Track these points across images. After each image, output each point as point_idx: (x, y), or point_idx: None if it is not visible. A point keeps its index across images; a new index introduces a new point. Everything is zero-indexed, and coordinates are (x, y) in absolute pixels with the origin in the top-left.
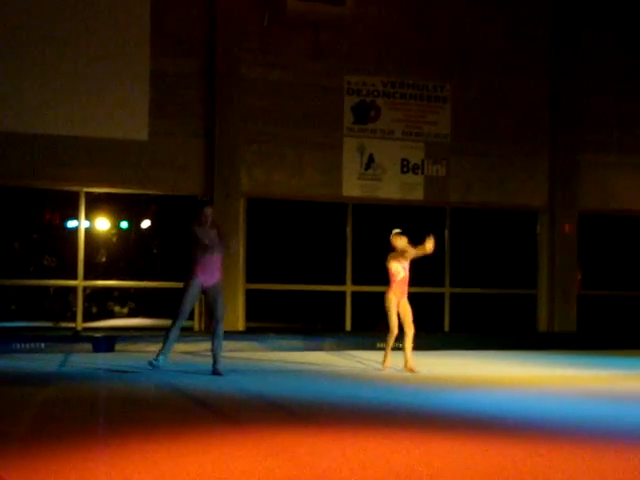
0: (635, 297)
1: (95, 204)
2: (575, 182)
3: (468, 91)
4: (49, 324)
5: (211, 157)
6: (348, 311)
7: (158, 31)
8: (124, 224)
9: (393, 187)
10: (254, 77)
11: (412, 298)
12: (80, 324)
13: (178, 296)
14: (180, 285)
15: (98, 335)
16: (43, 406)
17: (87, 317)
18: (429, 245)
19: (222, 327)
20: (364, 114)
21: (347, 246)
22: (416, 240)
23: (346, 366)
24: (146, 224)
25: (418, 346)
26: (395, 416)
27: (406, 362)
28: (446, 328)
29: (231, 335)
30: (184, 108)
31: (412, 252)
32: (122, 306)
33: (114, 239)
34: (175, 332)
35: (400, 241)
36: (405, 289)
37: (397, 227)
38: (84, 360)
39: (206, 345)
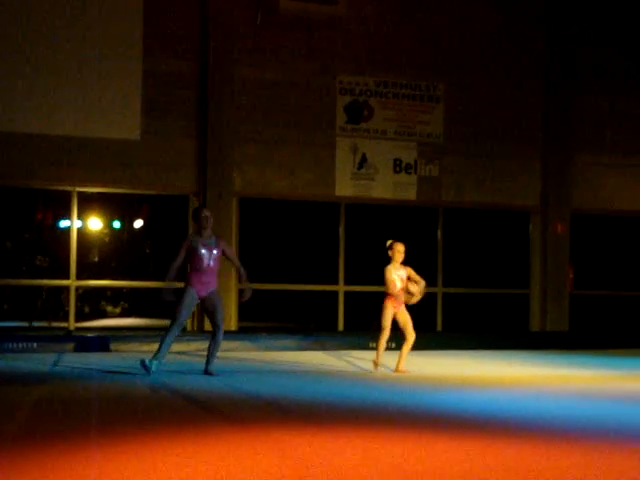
0: (627, 297)
1: (87, 204)
2: (567, 182)
3: (461, 91)
4: (43, 324)
5: (203, 157)
6: (341, 311)
7: (151, 31)
8: (116, 224)
9: (386, 187)
10: (247, 77)
11: None
12: (72, 324)
13: (175, 304)
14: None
15: (91, 335)
16: (36, 406)
17: (79, 317)
18: (418, 290)
19: (222, 333)
20: (357, 114)
21: (340, 246)
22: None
23: (339, 366)
24: (138, 224)
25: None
26: (389, 416)
27: (398, 363)
28: (439, 328)
29: (224, 335)
30: (176, 108)
31: (412, 274)
32: (114, 306)
33: (106, 239)
34: (170, 339)
35: (400, 253)
36: (402, 299)
37: (389, 230)
38: (76, 360)
39: (198, 345)
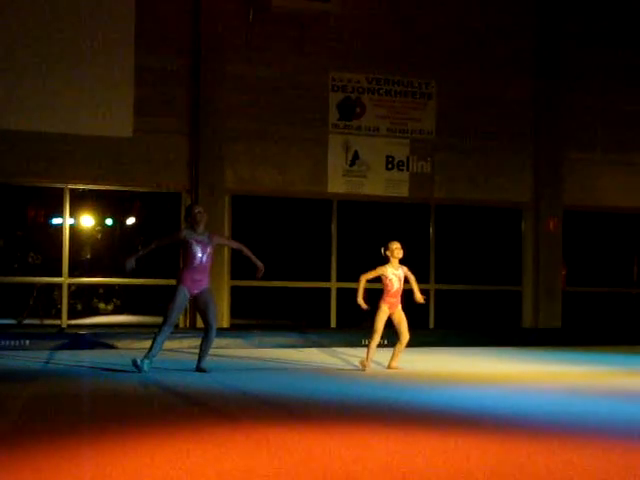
0: (619, 293)
1: (80, 201)
2: (559, 179)
3: (453, 88)
4: (35, 321)
5: (196, 154)
6: (333, 308)
7: (143, 28)
8: (109, 221)
9: (378, 184)
10: (239, 74)
11: None
12: (65, 321)
13: (165, 301)
14: (165, 282)
15: (83, 332)
16: (28, 403)
17: (72, 314)
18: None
19: (214, 331)
20: (349, 111)
21: (332, 243)
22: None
23: (332, 363)
24: (131, 221)
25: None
26: (383, 413)
27: (390, 360)
28: (431, 325)
29: (216, 332)
30: (168, 105)
31: (407, 274)
32: (107, 303)
33: (99, 236)
34: (162, 338)
35: (398, 249)
36: (399, 299)
37: (381, 226)
38: (69, 357)
39: (190, 342)
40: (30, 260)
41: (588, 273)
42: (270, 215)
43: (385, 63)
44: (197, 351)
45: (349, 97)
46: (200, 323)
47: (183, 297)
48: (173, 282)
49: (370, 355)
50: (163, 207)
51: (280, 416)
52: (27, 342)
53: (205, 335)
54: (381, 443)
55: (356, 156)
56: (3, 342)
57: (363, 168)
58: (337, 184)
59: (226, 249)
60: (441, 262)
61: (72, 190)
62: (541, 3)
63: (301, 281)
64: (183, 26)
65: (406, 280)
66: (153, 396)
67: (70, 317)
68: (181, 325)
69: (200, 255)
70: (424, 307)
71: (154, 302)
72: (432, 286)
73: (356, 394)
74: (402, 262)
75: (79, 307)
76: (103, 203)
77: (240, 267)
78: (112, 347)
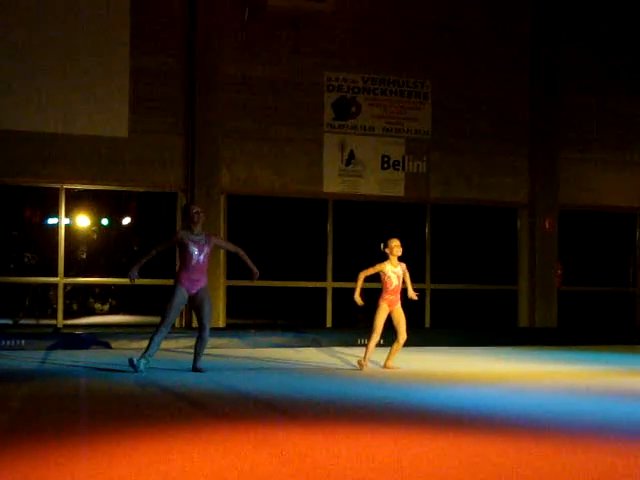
0: (615, 293)
1: (75, 201)
2: (555, 178)
3: (449, 88)
4: (31, 321)
5: (191, 154)
6: (329, 307)
7: (138, 28)
8: (104, 221)
9: (374, 183)
10: (234, 73)
11: None
12: (61, 321)
13: (163, 301)
14: (161, 282)
15: (79, 332)
16: (24, 403)
17: (68, 314)
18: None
19: (207, 332)
20: (344, 110)
21: (328, 242)
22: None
23: (328, 362)
24: (126, 221)
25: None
26: (380, 412)
27: (387, 359)
28: (427, 324)
29: (212, 332)
30: (164, 105)
31: (406, 272)
32: (103, 303)
33: (94, 236)
34: (159, 338)
35: (397, 247)
36: (398, 297)
37: (376, 226)
38: (65, 357)
39: (187, 342)
40: (26, 260)
41: (584, 272)
42: (266, 215)
43: (380, 63)
44: (193, 351)
45: (344, 97)
46: (196, 323)
47: (181, 298)
48: (169, 282)
49: (368, 354)
50: (159, 207)
51: (277, 416)
52: (23, 342)
53: (199, 335)
54: (378, 443)
55: (352, 156)
56: None
57: (359, 168)
58: (333, 184)
59: (222, 254)
60: (437, 262)
61: (68, 190)
62: (537, 4)
63: (297, 281)
64: (179, 26)
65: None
66: (149, 396)
67: (66, 317)
68: (177, 325)
69: (197, 255)
70: (420, 306)
71: (150, 302)
72: (428, 286)
73: (353, 394)
74: (401, 260)
75: (75, 307)
76: (99, 203)
77: (236, 267)
78: (108, 347)
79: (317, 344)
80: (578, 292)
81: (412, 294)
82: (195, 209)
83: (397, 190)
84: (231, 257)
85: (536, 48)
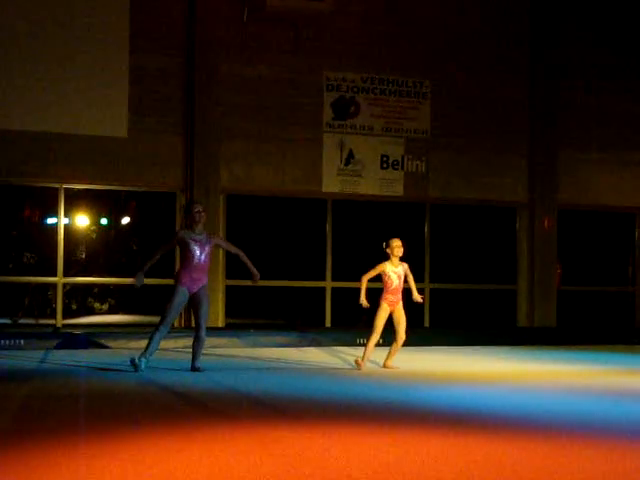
0: (614, 292)
1: (74, 201)
2: (554, 178)
3: (448, 87)
4: (30, 321)
5: (190, 153)
6: (328, 307)
7: (137, 27)
8: (103, 220)
9: (373, 183)
10: (233, 73)
11: None
12: (60, 321)
13: (164, 300)
14: (159, 282)
15: (78, 332)
16: (23, 403)
17: (67, 314)
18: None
19: (204, 331)
20: (344, 110)
21: (327, 242)
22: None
23: (327, 362)
24: (125, 220)
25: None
26: (380, 412)
27: (386, 359)
28: (426, 324)
29: (211, 331)
30: (163, 104)
31: (407, 272)
32: (102, 303)
33: (94, 235)
34: (159, 337)
35: (398, 247)
36: (399, 297)
37: (376, 226)
38: (64, 357)
39: (186, 341)
40: (25, 260)
41: (583, 272)
42: (265, 215)
43: (380, 62)
44: (191, 351)
45: (343, 96)
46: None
47: (182, 297)
48: (169, 282)
49: (367, 354)
50: (158, 207)
51: (277, 416)
52: (22, 342)
53: (195, 335)
54: (379, 443)
55: (351, 155)
56: None
57: (358, 167)
58: (332, 183)
59: (221, 253)
60: (436, 261)
61: (67, 190)
62: (536, 3)
63: (296, 280)
64: (178, 25)
65: (405, 279)
66: (148, 395)
67: (65, 317)
68: (176, 325)
69: (199, 254)
70: (419, 306)
71: (149, 302)
72: (427, 285)
73: (353, 393)
74: (401, 259)
75: (74, 307)
76: (98, 203)
77: (235, 267)
78: (107, 347)
79: (317, 344)
80: (577, 292)
81: (417, 297)
82: (197, 208)
83: (396, 190)
84: (230, 257)
85: (535, 47)
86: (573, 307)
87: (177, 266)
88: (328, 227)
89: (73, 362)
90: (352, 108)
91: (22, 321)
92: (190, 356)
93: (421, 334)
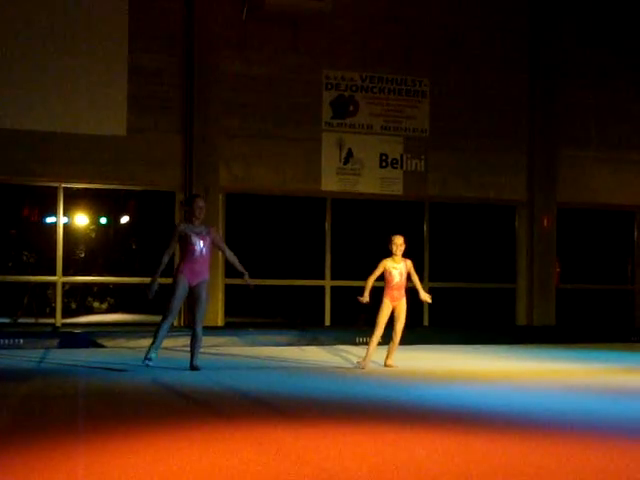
0: (613, 290)
1: (73, 200)
2: (553, 176)
3: (447, 86)
4: (30, 320)
5: (189, 152)
6: (327, 306)
7: (136, 26)
8: (103, 219)
9: (372, 182)
10: (232, 72)
11: None
12: (59, 320)
13: (166, 294)
14: (160, 281)
15: (77, 331)
16: (22, 402)
17: (66, 313)
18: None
19: (200, 328)
20: (343, 109)
21: (326, 241)
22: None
23: (326, 361)
24: (125, 219)
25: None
26: (379, 410)
27: (386, 358)
28: (425, 322)
29: (210, 330)
30: (162, 103)
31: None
32: (101, 302)
33: (93, 235)
34: (167, 326)
35: (396, 245)
36: (402, 293)
37: (375, 224)
38: (63, 356)
39: (185, 340)
40: (24, 259)
41: (582, 271)
42: (264, 213)
43: (379, 61)
44: (189, 349)
45: (342, 95)
46: None
47: (183, 287)
48: (168, 281)
49: (370, 352)
50: (157, 206)
51: (276, 415)
52: (21, 341)
53: (192, 333)
54: (377, 442)
55: (350, 154)
56: None
57: (357, 166)
58: (331, 182)
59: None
60: (435, 260)
61: (66, 189)
62: (535, 1)
63: (295, 279)
64: (177, 24)
65: (409, 278)
66: (147, 395)
67: (64, 316)
68: (175, 324)
69: (200, 247)
70: (418, 305)
71: (148, 301)
72: (426, 284)
73: (353, 392)
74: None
75: (73, 306)
76: (97, 202)
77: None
78: (106, 346)
79: (316, 342)
80: (576, 290)
81: (424, 297)
82: (199, 204)
83: (395, 188)
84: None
85: (535, 46)
86: (572, 305)
87: (177, 264)
88: (327, 226)
89: (72, 361)
90: (351, 107)
91: (21, 320)
92: (189, 355)
93: (420, 333)
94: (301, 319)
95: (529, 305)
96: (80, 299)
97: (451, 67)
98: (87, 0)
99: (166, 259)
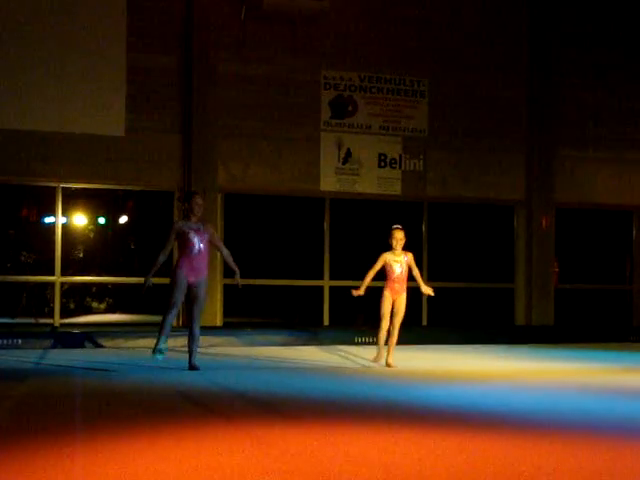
0: (611, 290)
1: (72, 200)
2: (551, 176)
3: (445, 86)
4: (29, 320)
5: (188, 152)
6: (326, 306)
7: (134, 26)
8: (101, 220)
9: (370, 182)
10: (231, 72)
11: None
12: (58, 320)
13: (166, 291)
14: (157, 281)
15: (76, 331)
16: (20, 402)
17: (65, 313)
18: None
19: (198, 327)
20: (341, 109)
21: (325, 241)
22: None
23: (325, 361)
24: (123, 219)
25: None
26: (378, 410)
27: (387, 357)
28: (424, 322)
29: (209, 330)
30: (161, 103)
31: (411, 263)
32: (100, 302)
33: (91, 235)
34: (171, 318)
35: (395, 239)
36: (403, 286)
37: (374, 224)
38: (61, 356)
39: (184, 341)
40: (22, 259)
41: (580, 270)
42: (262, 213)
43: (377, 61)
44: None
45: (341, 95)
46: None
47: (182, 280)
48: (165, 281)
49: (380, 344)
50: (156, 206)
51: (275, 415)
52: (20, 341)
53: (190, 333)
54: (376, 441)
55: (348, 154)
56: None
57: (355, 166)
58: (329, 182)
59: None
60: (434, 260)
61: (64, 189)
62: (533, 2)
63: (294, 279)
64: (175, 24)
65: (410, 273)
66: (146, 395)
67: (63, 316)
68: (175, 324)
69: (198, 243)
70: (417, 304)
71: (147, 301)
72: (425, 284)
73: (352, 392)
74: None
75: (72, 306)
76: (95, 202)
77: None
78: (105, 346)
79: (314, 342)
80: (575, 290)
81: (426, 290)
82: (198, 201)
83: (394, 188)
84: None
85: (533, 46)
86: (570, 305)
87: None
88: (326, 226)
89: (71, 361)
90: (350, 107)
91: (20, 320)
92: (186, 355)
93: (419, 332)
94: (299, 319)
95: (528, 305)
96: (79, 299)
97: (449, 67)
98: (87, 0)
99: (162, 258)
